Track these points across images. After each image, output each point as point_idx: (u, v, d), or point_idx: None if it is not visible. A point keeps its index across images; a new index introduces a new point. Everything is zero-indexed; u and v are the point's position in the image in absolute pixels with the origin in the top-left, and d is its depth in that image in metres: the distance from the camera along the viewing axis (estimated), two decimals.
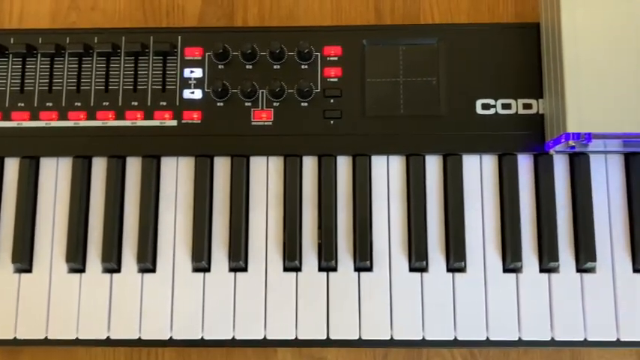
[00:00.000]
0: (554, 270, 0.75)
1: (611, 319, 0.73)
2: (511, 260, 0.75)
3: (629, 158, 0.77)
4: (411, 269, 0.75)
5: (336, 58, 0.79)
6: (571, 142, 0.70)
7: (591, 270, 0.75)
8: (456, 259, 0.74)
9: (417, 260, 0.74)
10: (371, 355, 0.82)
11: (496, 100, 0.78)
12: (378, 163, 0.78)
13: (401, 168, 0.78)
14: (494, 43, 0.79)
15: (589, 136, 0.69)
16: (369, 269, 0.75)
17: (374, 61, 0.79)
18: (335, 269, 0.75)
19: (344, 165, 0.78)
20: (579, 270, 0.75)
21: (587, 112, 0.69)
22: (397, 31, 0.81)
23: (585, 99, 0.70)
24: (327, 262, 0.74)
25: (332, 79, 0.79)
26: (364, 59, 0.79)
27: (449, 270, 0.75)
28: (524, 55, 0.77)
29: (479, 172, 0.78)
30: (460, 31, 0.80)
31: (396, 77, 0.79)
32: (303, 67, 0.79)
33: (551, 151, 0.76)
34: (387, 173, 0.78)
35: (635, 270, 0.75)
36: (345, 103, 0.78)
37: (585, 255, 0.74)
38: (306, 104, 0.79)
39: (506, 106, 0.78)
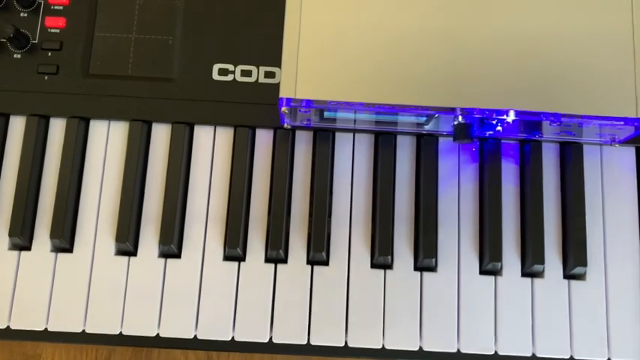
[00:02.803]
0: (282, 261, 0.62)
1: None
2: (229, 246, 0.62)
3: (378, 138, 0.65)
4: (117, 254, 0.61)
5: (61, 7, 0.66)
6: (284, 109, 0.58)
7: (323, 263, 0.63)
8: (166, 241, 0.60)
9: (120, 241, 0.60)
10: (92, 355, 0.69)
11: (235, 65, 0.66)
12: (97, 128, 0.64)
13: (122, 135, 0.64)
14: (240, 5, 0.65)
15: (307, 103, 0.58)
16: (70, 250, 0.61)
17: (106, 15, 0.65)
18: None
19: (57, 128, 0.64)
20: (309, 261, 0.62)
21: (306, 77, 0.57)
22: None
23: (306, 64, 0.56)
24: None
25: (53, 30, 0.65)
26: (95, 11, 0.66)
27: (160, 255, 0.61)
28: (272, 20, 0.64)
29: (211, 144, 0.65)
30: None
31: (128, 33, 0.66)
32: (22, 14, 0.65)
33: (287, 125, 0.64)
34: (107, 140, 0.65)
35: (373, 265, 0.62)
36: (64, 57, 0.64)
37: (315, 246, 0.61)
38: (19, 56, 0.64)
39: (245, 73, 0.65)
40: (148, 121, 0.64)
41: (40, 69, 0.64)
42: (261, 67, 0.65)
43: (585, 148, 0.64)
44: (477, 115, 0.56)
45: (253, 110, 0.64)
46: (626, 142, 0.62)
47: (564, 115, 0.56)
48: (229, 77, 0.65)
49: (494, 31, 0.57)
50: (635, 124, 0.56)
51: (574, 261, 0.61)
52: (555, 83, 0.57)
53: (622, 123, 0.56)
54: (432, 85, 0.57)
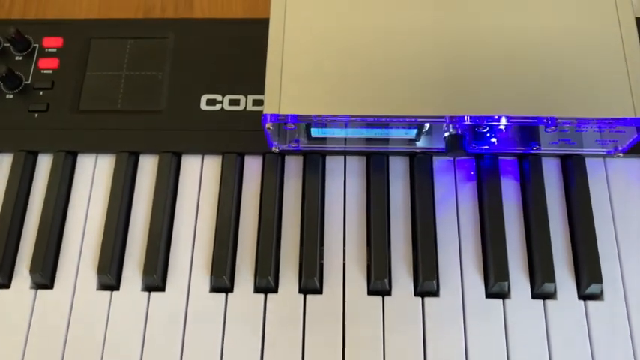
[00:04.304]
0: (272, 290, 0.57)
1: None
2: (215, 275, 0.57)
3: (370, 160, 0.62)
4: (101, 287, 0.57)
5: (55, 50, 0.66)
6: (269, 126, 0.56)
7: (316, 291, 0.58)
8: (149, 271, 0.56)
9: (102, 272, 0.56)
10: None
11: (223, 95, 0.64)
12: (84, 162, 0.62)
13: (109, 168, 0.62)
14: (227, 39, 0.65)
15: (292, 118, 0.56)
16: (50, 286, 0.57)
17: (98, 55, 0.65)
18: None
19: (45, 163, 0.62)
20: (302, 290, 0.57)
21: (290, 93, 0.54)
22: (126, 24, 0.68)
23: (290, 79, 0.54)
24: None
25: (46, 71, 0.65)
26: (88, 52, 0.66)
27: (144, 288, 0.57)
28: (258, 50, 0.61)
29: (199, 173, 0.63)
30: (193, 26, 0.67)
31: (119, 71, 0.66)
32: (17, 58, 0.65)
33: (275, 149, 0.62)
34: (93, 173, 0.62)
35: (370, 292, 0.57)
36: (55, 95, 0.64)
37: (307, 272, 0.57)
38: (11, 96, 0.64)
39: (233, 102, 0.64)
40: (136, 153, 0.63)
41: (30, 107, 0.63)
42: (249, 96, 0.63)
43: (589, 161, 0.60)
44: (467, 123, 0.53)
45: (241, 137, 0.62)
46: (630, 151, 0.58)
47: (560, 119, 0.53)
48: (217, 107, 0.63)
49: (483, 36, 0.55)
50: (635, 124, 0.53)
51: (587, 278, 0.55)
52: (548, 87, 0.54)
53: (621, 124, 0.53)
54: (419, 95, 0.54)
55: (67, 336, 0.56)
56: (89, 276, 0.58)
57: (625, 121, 0.53)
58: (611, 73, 0.54)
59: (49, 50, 0.67)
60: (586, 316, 0.55)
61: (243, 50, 0.65)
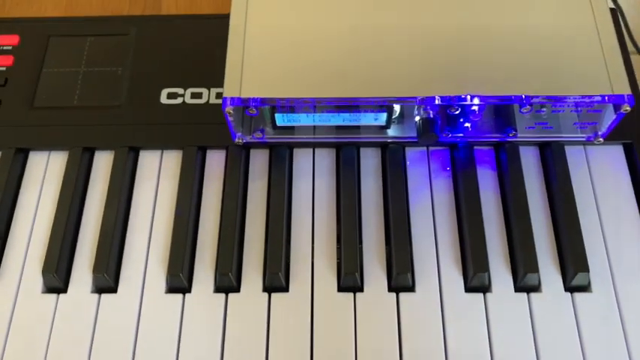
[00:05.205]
0: (234, 289, 0.52)
1: None
2: (171, 273, 0.52)
3: (340, 150, 0.58)
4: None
5: (10, 48, 0.64)
6: (229, 110, 0.53)
7: (282, 289, 0.53)
8: (99, 269, 0.51)
9: (47, 271, 0.51)
10: None
11: (185, 89, 0.61)
12: (36, 159, 0.59)
13: (62, 165, 0.58)
14: (189, 34, 0.63)
15: (254, 101, 0.53)
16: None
17: (56, 52, 0.63)
18: None
19: None
20: (266, 289, 0.54)
21: (252, 76, 0.51)
22: (87, 22, 0.65)
23: (252, 62, 0.52)
24: None
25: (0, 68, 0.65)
26: (46, 50, 0.63)
27: (95, 290, 0.52)
28: (221, 44, 0.57)
29: (157, 168, 0.58)
30: (155, 23, 0.64)
31: (77, 68, 0.63)
32: None
33: (239, 140, 0.58)
34: (45, 170, 0.59)
35: (341, 288, 0.52)
36: (8, 92, 0.60)
37: (271, 267, 0.53)
38: None
39: (196, 95, 0.61)
40: (91, 149, 0.59)
41: None
42: (212, 89, 0.60)
43: (569, 149, 0.57)
44: (438, 103, 0.50)
45: (203, 131, 0.58)
46: (610, 137, 0.55)
47: (534, 97, 0.50)
48: (178, 100, 0.60)
49: (454, 15, 0.53)
50: (612, 101, 0.50)
51: (573, 268, 0.51)
52: (521, 66, 0.51)
53: (599, 101, 0.50)
54: (388, 75, 0.51)
55: (5, 344, 0.51)
56: (35, 278, 0.53)
57: (602, 99, 0.50)
58: (586, 52, 0.52)
59: (4, 48, 0.64)
60: (574, 309, 0.51)
61: (206, 44, 0.63)
